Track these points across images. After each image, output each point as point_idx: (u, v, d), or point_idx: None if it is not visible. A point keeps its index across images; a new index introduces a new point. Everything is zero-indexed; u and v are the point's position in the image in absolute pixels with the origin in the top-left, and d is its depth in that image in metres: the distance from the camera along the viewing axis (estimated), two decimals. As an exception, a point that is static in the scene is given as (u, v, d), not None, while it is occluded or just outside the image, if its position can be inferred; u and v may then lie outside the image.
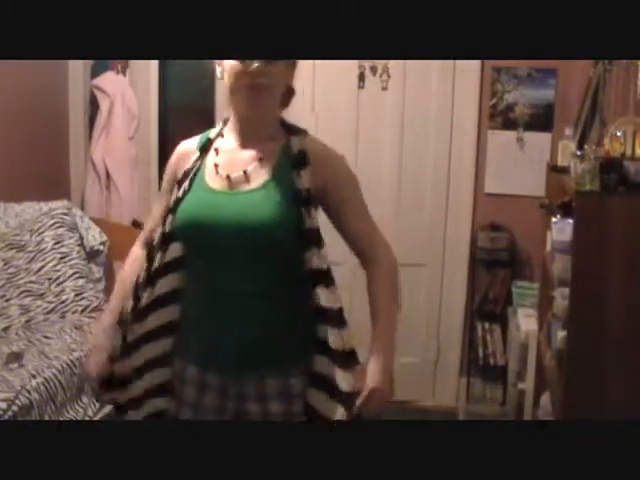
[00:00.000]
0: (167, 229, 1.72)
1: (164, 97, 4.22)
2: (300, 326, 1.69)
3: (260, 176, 1.68)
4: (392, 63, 3.96)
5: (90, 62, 4.07)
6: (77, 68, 4.02)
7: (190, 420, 1.63)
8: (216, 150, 1.75)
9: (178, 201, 1.71)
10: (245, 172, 1.68)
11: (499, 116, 3.91)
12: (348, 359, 1.62)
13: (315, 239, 1.64)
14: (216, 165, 1.72)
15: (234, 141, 1.74)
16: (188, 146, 1.80)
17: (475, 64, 3.87)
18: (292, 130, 1.74)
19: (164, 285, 1.76)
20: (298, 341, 1.69)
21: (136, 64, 4.11)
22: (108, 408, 2.88)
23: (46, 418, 2.43)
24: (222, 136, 1.77)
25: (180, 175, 1.76)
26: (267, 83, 1.62)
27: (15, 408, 2.26)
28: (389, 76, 3.97)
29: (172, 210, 1.72)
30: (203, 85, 4.17)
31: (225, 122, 1.79)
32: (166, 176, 1.85)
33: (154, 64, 4.12)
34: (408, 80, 3.97)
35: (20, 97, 3.63)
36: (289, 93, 1.77)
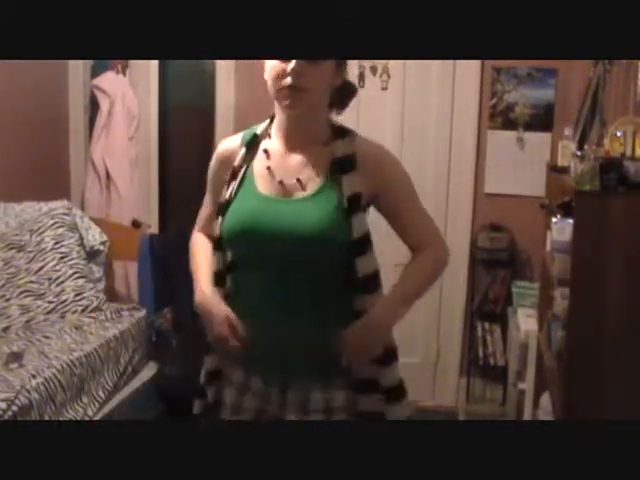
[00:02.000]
0: (219, 232, 1.69)
1: (164, 97, 4.22)
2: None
3: (312, 183, 1.64)
4: (392, 63, 3.96)
5: (90, 62, 4.07)
6: (77, 68, 4.02)
7: (190, 420, 1.63)
8: (266, 152, 1.70)
9: (227, 204, 1.68)
10: (299, 180, 1.64)
11: (499, 116, 3.91)
12: (388, 357, 1.66)
13: (363, 246, 1.62)
14: (268, 169, 1.67)
15: (282, 143, 1.69)
16: (231, 145, 1.76)
17: (475, 64, 3.87)
18: (339, 132, 1.69)
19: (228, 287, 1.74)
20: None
21: (136, 64, 4.11)
22: (108, 408, 2.89)
23: (46, 418, 2.43)
24: (269, 137, 1.72)
25: (228, 175, 1.72)
26: (306, 85, 1.57)
27: (15, 408, 2.26)
28: (389, 76, 3.97)
29: (221, 212, 1.68)
30: (203, 85, 4.17)
31: (272, 119, 1.74)
32: (211, 181, 1.79)
33: (154, 64, 4.12)
34: (408, 80, 3.97)
35: (20, 97, 3.63)
36: (345, 92, 1.72)
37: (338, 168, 1.64)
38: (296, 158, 1.67)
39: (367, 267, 1.63)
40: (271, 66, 1.58)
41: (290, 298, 1.63)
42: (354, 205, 1.61)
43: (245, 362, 1.68)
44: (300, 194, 1.64)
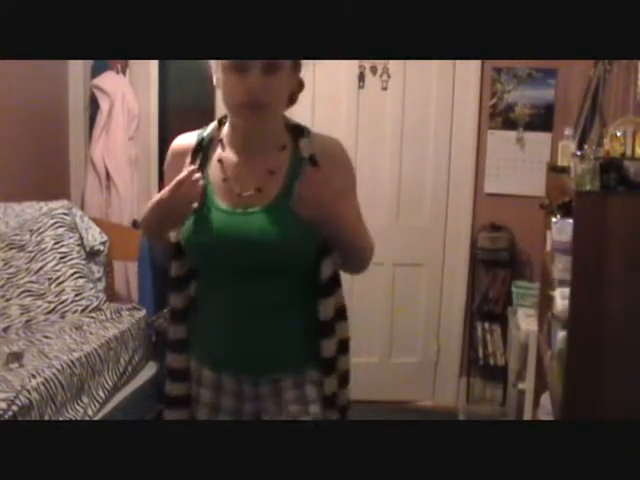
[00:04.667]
0: (177, 240, 1.66)
1: (164, 97, 4.22)
2: (311, 334, 1.67)
3: (273, 190, 1.59)
4: (392, 63, 3.96)
5: (90, 62, 4.07)
6: (77, 68, 4.02)
7: (190, 420, 1.63)
8: (220, 162, 1.64)
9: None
10: (258, 189, 1.59)
11: (499, 116, 3.91)
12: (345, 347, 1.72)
13: (326, 248, 1.62)
14: (225, 180, 1.62)
15: (238, 154, 1.63)
16: (186, 142, 1.69)
17: (475, 64, 3.87)
18: (298, 132, 1.64)
19: (180, 298, 1.71)
20: (310, 346, 1.66)
21: (136, 64, 4.11)
22: (108, 408, 2.89)
23: (46, 418, 2.43)
24: (223, 147, 1.65)
25: None
26: (266, 100, 1.51)
27: (15, 408, 2.26)
28: (389, 76, 3.97)
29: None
30: (203, 85, 4.17)
31: (221, 122, 1.68)
32: (168, 178, 1.71)
33: (154, 64, 4.12)
34: (408, 80, 3.97)
35: (20, 97, 3.63)
36: (297, 90, 1.66)
37: (298, 172, 1.58)
38: (254, 166, 1.61)
39: (329, 269, 1.63)
40: (225, 81, 1.51)
41: (256, 302, 1.62)
42: None
43: (215, 362, 1.69)
44: (259, 203, 1.59)
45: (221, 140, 1.66)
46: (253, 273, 1.60)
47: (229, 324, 1.65)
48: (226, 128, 1.66)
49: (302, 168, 1.57)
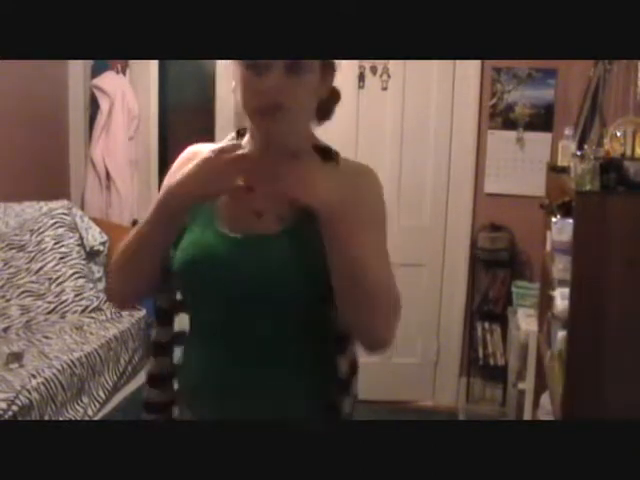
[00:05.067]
0: (170, 266, 1.41)
1: (164, 97, 4.22)
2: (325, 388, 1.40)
3: (287, 216, 1.35)
4: (392, 63, 3.96)
5: (90, 62, 4.07)
6: (77, 68, 4.02)
7: (191, 420, 1.62)
8: None
9: (180, 233, 1.40)
10: (268, 213, 1.36)
11: (499, 116, 3.91)
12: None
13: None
14: (233, 200, 1.38)
15: (251, 175, 1.35)
16: (200, 151, 1.42)
17: (475, 64, 3.87)
18: (326, 155, 1.42)
19: (165, 332, 1.49)
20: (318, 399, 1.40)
21: (136, 64, 4.11)
22: (108, 408, 2.89)
23: (46, 418, 2.43)
24: None
25: None
26: (287, 103, 1.30)
27: (15, 408, 2.26)
28: (389, 76, 3.97)
29: (174, 243, 1.40)
30: (203, 85, 4.17)
31: (239, 135, 1.47)
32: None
33: (154, 64, 4.12)
34: (408, 80, 3.97)
35: (20, 97, 3.63)
36: (331, 101, 1.44)
37: None
38: (270, 191, 1.33)
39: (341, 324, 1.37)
40: (243, 82, 1.35)
41: (254, 346, 1.36)
42: None
43: (187, 398, 1.45)
44: (268, 230, 1.36)
45: None
46: (249, 308, 1.35)
47: (221, 361, 1.39)
48: (245, 142, 1.43)
49: None
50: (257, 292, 1.34)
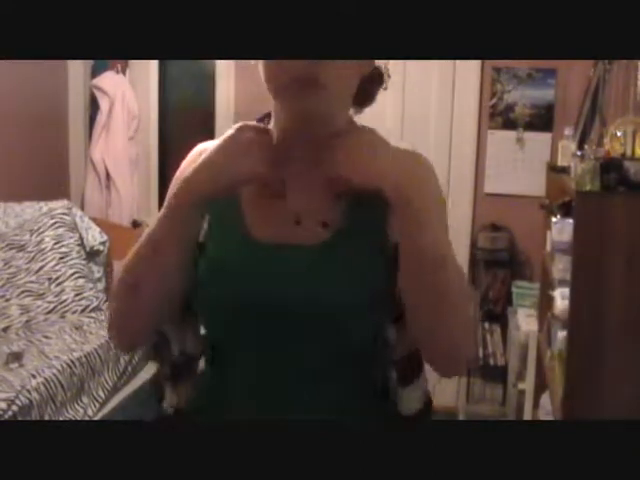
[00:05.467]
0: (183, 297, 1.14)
1: (164, 97, 4.23)
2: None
3: (333, 221, 1.11)
4: (392, 63, 3.95)
5: (90, 62, 4.07)
6: (77, 68, 4.03)
7: (192, 421, 1.62)
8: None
9: (201, 248, 1.14)
10: (312, 217, 1.11)
11: (499, 116, 3.91)
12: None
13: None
14: (264, 202, 1.14)
15: (284, 168, 1.12)
16: (208, 148, 1.13)
17: (475, 64, 3.87)
18: None
19: (185, 390, 1.22)
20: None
21: (136, 64, 4.12)
22: (108, 408, 2.88)
23: (46, 418, 2.43)
24: None
25: None
26: (326, 80, 1.07)
27: (15, 408, 2.26)
28: (389, 76, 3.96)
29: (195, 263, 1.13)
30: (203, 85, 4.17)
31: (260, 122, 1.19)
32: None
33: (154, 64, 4.13)
34: (408, 80, 3.97)
35: (20, 97, 3.63)
36: (373, 81, 1.21)
37: (373, 196, 1.06)
38: (306, 186, 1.13)
39: (404, 344, 1.15)
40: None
41: (295, 371, 1.13)
42: (396, 251, 1.09)
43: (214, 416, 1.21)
44: (314, 238, 1.11)
45: None
46: (292, 333, 1.11)
47: (260, 396, 1.15)
48: (274, 133, 1.16)
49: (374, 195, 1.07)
50: (299, 312, 1.09)
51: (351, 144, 1.09)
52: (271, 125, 1.17)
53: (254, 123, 1.13)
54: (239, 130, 1.09)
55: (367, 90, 1.21)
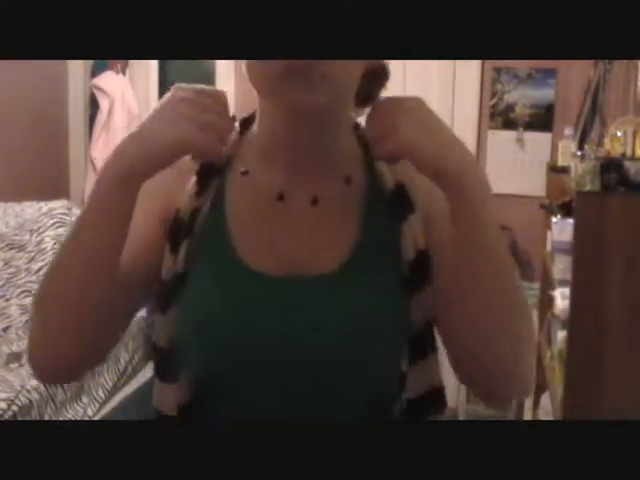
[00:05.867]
0: (167, 338, 0.95)
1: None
2: None
3: (340, 246, 0.93)
4: (392, 63, 3.96)
5: (90, 62, 4.07)
6: (77, 68, 4.03)
7: (193, 421, 1.62)
8: (243, 197, 0.95)
9: (178, 279, 0.92)
10: (315, 244, 0.93)
11: (499, 116, 3.91)
12: None
13: (422, 344, 1.03)
14: (256, 226, 0.94)
15: (278, 178, 0.94)
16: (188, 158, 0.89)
17: (475, 64, 3.87)
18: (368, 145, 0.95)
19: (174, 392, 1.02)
20: None
21: (136, 64, 4.12)
22: (108, 408, 2.88)
23: (46, 418, 2.43)
24: (245, 172, 0.95)
25: (172, 218, 0.93)
26: (329, 68, 0.90)
27: (15, 408, 2.26)
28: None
29: (168, 297, 0.93)
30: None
31: (245, 126, 0.99)
32: (150, 202, 0.93)
33: (154, 64, 4.13)
34: (408, 80, 3.97)
35: (20, 97, 3.63)
36: (376, 78, 1.02)
37: (389, 211, 0.94)
38: (305, 204, 0.94)
39: (424, 380, 1.04)
40: None
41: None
42: (420, 273, 0.93)
43: None
44: (319, 267, 0.92)
45: (242, 158, 0.98)
46: (296, 381, 0.94)
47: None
48: (255, 135, 0.97)
49: (384, 205, 0.94)
50: (317, 356, 0.91)
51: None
52: (254, 128, 0.97)
53: (199, 85, 0.94)
54: (176, 90, 0.92)
55: (369, 87, 1.01)
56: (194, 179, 0.94)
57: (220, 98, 0.90)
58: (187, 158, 0.88)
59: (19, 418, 2.27)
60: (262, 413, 0.96)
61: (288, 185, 0.94)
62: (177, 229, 0.93)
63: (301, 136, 0.93)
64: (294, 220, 0.94)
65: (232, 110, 0.93)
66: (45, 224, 3.34)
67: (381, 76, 1.05)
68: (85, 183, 4.06)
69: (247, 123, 0.99)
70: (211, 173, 0.94)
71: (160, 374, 0.99)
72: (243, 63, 0.98)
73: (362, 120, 1.01)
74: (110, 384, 2.93)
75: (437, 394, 1.05)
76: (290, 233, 0.94)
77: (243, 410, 0.97)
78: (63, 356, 0.90)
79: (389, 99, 0.95)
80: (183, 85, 0.93)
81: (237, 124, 0.99)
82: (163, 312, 0.94)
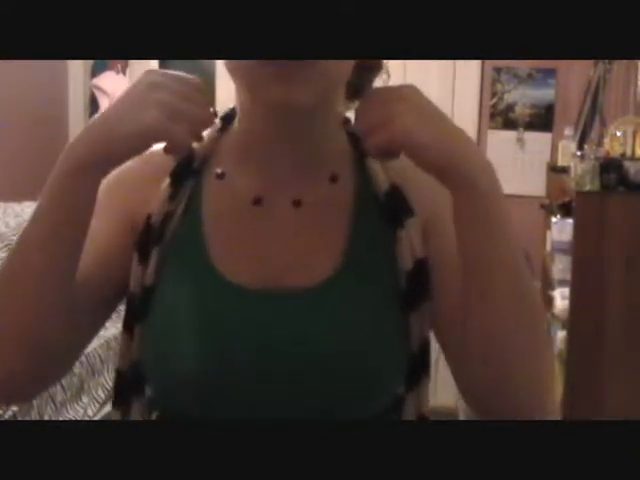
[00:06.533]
0: (130, 360, 0.85)
1: (164, 97, 4.24)
2: None
3: (326, 254, 0.82)
4: (392, 63, 3.95)
5: (90, 62, 4.08)
6: (77, 68, 4.03)
7: (193, 421, 1.62)
8: (220, 200, 0.84)
9: (146, 295, 0.81)
10: (298, 252, 0.82)
11: (499, 116, 3.91)
12: None
13: (422, 366, 0.96)
14: (234, 233, 0.83)
15: (256, 180, 0.83)
16: (157, 161, 0.82)
17: (475, 64, 3.88)
18: (359, 143, 0.85)
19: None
20: None
21: (136, 64, 4.12)
22: (108, 408, 2.88)
23: (46, 418, 2.43)
24: (221, 174, 0.84)
25: (143, 225, 0.82)
26: (321, 66, 0.84)
27: (15, 408, 2.26)
28: (389, 76, 3.97)
29: (136, 314, 0.82)
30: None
31: (225, 124, 0.88)
32: (109, 212, 0.83)
33: (154, 64, 4.13)
34: (408, 80, 3.95)
35: (20, 97, 3.63)
36: (368, 71, 0.94)
37: (382, 217, 0.83)
38: (288, 211, 0.83)
39: (422, 404, 0.98)
40: None
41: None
42: (419, 285, 0.83)
43: None
44: (305, 279, 0.81)
45: (218, 158, 0.87)
46: (284, 407, 0.86)
47: None
48: (235, 133, 0.87)
49: (377, 208, 0.84)
50: (305, 380, 0.82)
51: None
52: (235, 125, 0.87)
53: (175, 72, 0.85)
54: (148, 74, 0.85)
55: (360, 79, 0.93)
56: (168, 181, 0.83)
57: (198, 87, 0.82)
58: (161, 158, 0.79)
59: (19, 418, 2.27)
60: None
61: (268, 187, 0.83)
62: (147, 237, 0.81)
63: (284, 133, 0.82)
64: (275, 225, 0.83)
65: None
66: (45, 224, 3.35)
67: (374, 67, 0.96)
68: (85, 183, 4.07)
69: (229, 119, 0.89)
70: (186, 174, 0.84)
71: (115, 400, 0.90)
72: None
73: (352, 115, 0.89)
74: (110, 384, 2.93)
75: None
76: (271, 240, 0.82)
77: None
78: (11, 372, 0.79)
79: (382, 88, 0.84)
80: (157, 69, 0.84)
81: (218, 120, 0.89)
82: (127, 331, 0.84)
